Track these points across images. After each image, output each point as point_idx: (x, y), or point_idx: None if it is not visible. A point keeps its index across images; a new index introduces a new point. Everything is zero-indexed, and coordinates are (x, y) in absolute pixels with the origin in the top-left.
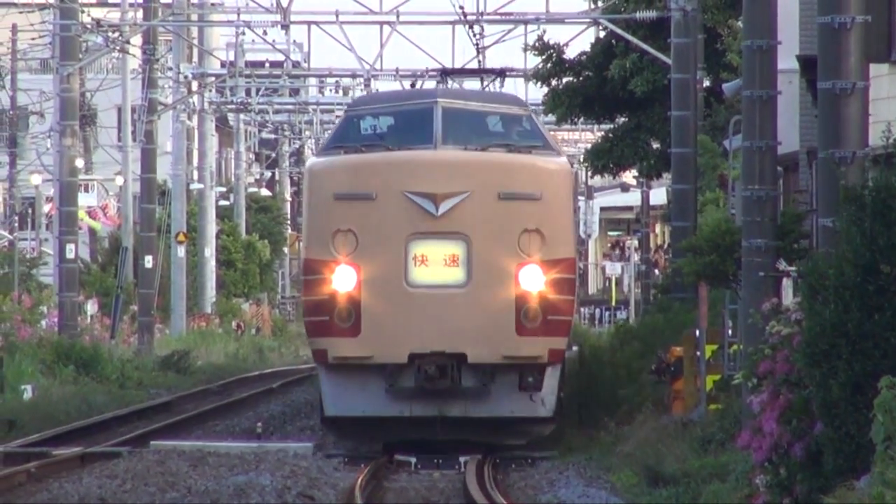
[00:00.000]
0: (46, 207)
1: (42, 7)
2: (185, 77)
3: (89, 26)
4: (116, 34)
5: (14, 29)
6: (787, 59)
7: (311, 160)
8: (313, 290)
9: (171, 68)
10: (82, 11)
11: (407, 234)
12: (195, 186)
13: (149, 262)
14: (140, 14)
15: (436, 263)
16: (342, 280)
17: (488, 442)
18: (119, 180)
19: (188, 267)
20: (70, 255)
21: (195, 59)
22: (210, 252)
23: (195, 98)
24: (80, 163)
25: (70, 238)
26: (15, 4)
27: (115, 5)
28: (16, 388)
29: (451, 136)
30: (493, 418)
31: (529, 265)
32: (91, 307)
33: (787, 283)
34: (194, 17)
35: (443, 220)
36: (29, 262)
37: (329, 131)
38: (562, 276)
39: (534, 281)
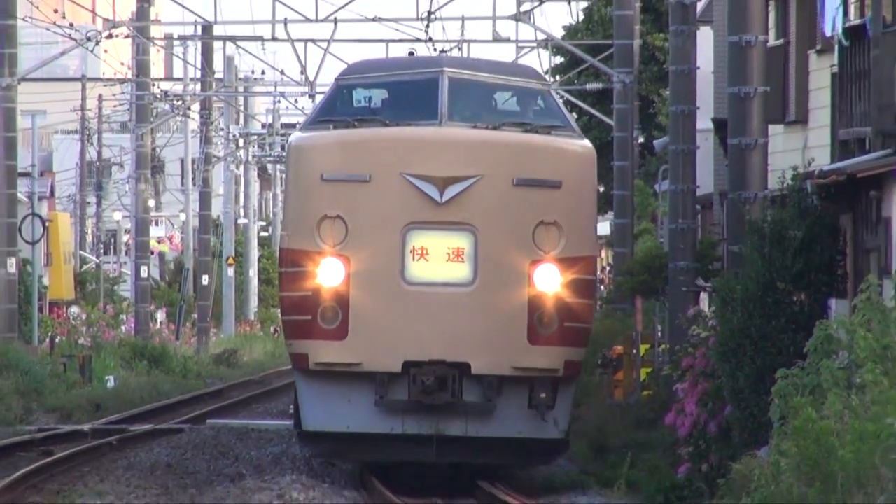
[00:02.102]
0: (125, 237)
1: (122, 81)
2: (234, 136)
3: (158, 96)
4: (180, 102)
5: (100, 98)
6: (704, 121)
7: (294, 135)
8: (294, 286)
9: (222, 129)
10: (153, 84)
11: (405, 222)
12: (241, 221)
13: (205, 280)
14: (198, 86)
15: (437, 258)
16: (328, 274)
17: (491, 465)
18: (182, 216)
19: (236, 284)
20: (144, 274)
21: (241, 121)
22: (253, 272)
23: (241, 152)
24: (151, 202)
25: (144, 261)
26: (101, 79)
27: (178, 79)
28: (101, 379)
29: (458, 111)
30: (497, 439)
31: (545, 263)
32: (160, 315)
33: (704, 296)
34: (241, 88)
35: (447, 207)
36: (111, 281)
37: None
38: (582, 276)
39: (550, 281)
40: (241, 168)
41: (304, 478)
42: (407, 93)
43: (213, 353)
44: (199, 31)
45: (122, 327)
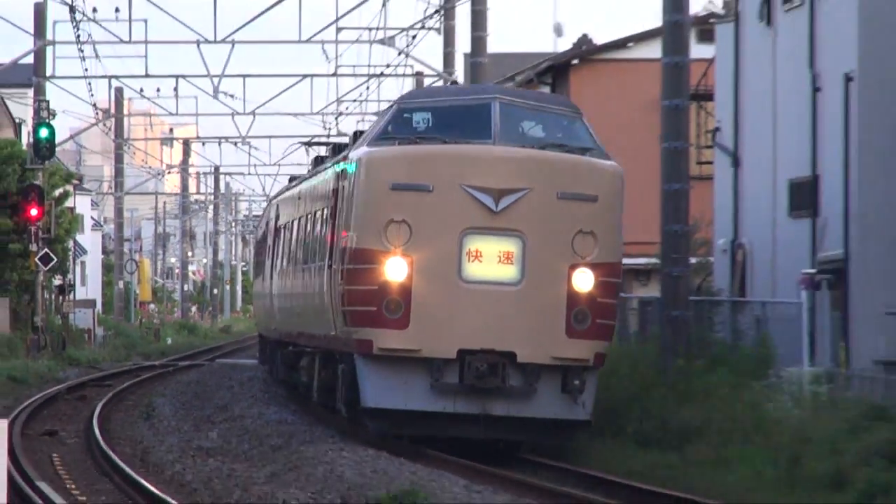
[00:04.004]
0: (176, 270)
1: (175, 194)
2: (230, 221)
3: (192, 201)
4: (203, 204)
5: (164, 203)
6: None
7: (362, 150)
8: (362, 280)
9: (223, 217)
10: (189, 195)
11: (463, 228)
12: (233, 262)
13: (216, 291)
14: (212, 196)
15: (490, 260)
16: (394, 271)
17: (528, 442)
18: (204, 260)
19: (231, 292)
20: (185, 289)
21: (234, 213)
22: (239, 287)
23: (234, 228)
24: (189, 253)
25: (185, 283)
26: (164, 193)
27: (202, 193)
28: (164, 339)
29: (507, 132)
30: (536, 419)
31: (582, 267)
32: (193, 308)
33: None
34: (233, 198)
35: (501, 216)
36: (169, 292)
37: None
38: (610, 279)
39: (585, 283)
40: (234, 237)
41: (265, 386)
42: (462, 115)
43: (219, 327)
44: (213, 170)
45: (175, 314)
